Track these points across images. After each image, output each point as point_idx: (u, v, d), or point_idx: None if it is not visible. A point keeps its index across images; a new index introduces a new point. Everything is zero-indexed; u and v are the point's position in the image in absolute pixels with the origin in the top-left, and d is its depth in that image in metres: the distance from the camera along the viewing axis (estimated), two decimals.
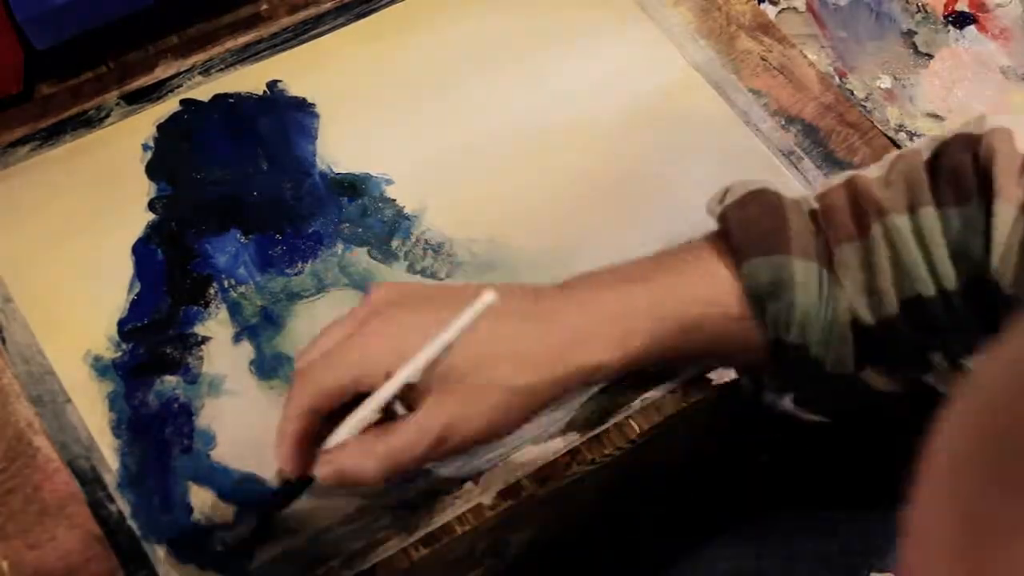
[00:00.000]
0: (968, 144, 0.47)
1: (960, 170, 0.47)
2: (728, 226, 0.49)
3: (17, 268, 0.58)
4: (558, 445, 0.55)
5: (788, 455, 0.83)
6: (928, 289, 0.46)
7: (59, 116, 0.63)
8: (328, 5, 0.68)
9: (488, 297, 0.46)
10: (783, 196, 0.50)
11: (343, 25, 0.68)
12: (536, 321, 0.47)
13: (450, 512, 0.53)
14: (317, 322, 0.57)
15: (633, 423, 0.57)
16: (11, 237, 0.59)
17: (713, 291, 0.48)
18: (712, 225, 0.51)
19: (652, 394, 0.57)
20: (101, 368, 0.55)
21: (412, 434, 0.45)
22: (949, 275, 0.46)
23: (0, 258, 0.58)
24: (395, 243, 0.60)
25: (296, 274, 0.59)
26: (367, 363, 0.46)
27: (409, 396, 0.46)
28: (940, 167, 0.47)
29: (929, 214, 0.47)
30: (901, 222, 0.47)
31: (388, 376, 0.45)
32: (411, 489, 0.53)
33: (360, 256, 0.60)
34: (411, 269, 0.59)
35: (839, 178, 0.51)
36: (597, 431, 0.56)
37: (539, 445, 0.55)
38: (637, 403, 0.56)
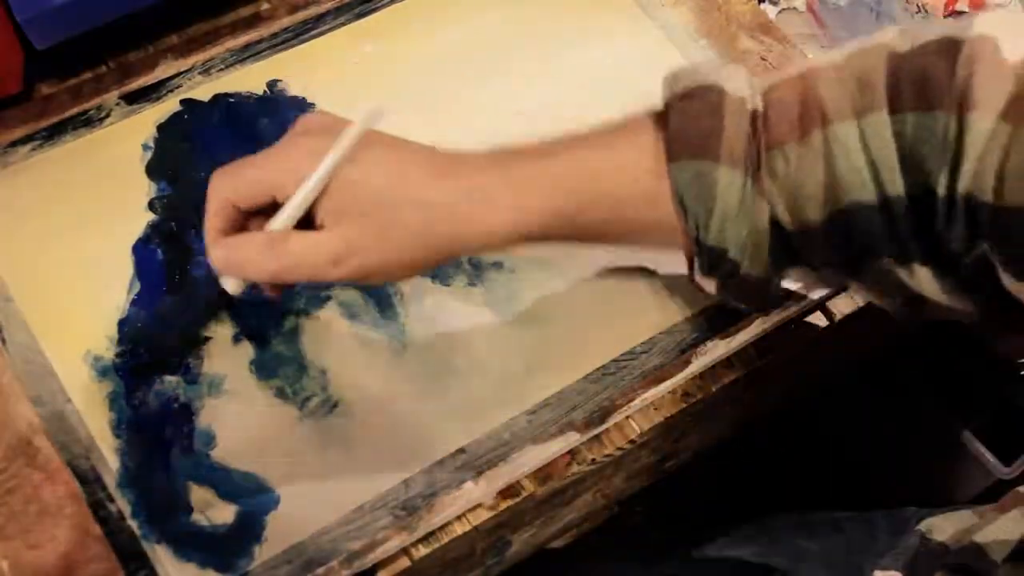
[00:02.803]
0: (948, 49, 0.45)
1: (930, 76, 0.45)
2: (668, 116, 0.50)
3: (17, 268, 0.58)
4: (558, 445, 0.55)
5: (791, 454, 0.83)
6: (869, 195, 0.46)
7: (59, 116, 0.63)
8: (328, 5, 0.68)
9: (374, 105, 0.49)
10: (727, 94, 0.49)
11: (343, 25, 0.68)
12: (445, 177, 0.49)
13: (450, 512, 0.53)
14: (317, 322, 0.57)
15: (633, 423, 0.57)
16: (11, 237, 0.59)
17: (634, 174, 0.49)
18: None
19: (652, 394, 0.57)
20: (101, 368, 0.55)
21: (312, 244, 0.47)
22: (895, 181, 0.46)
23: (0, 258, 0.58)
24: None
25: None
26: (279, 171, 0.48)
27: (319, 222, 0.48)
28: (907, 68, 0.46)
29: (880, 119, 0.46)
30: (845, 130, 0.46)
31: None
32: (411, 489, 0.53)
33: None
34: None
35: (796, 67, 0.50)
36: (597, 431, 0.56)
37: (539, 445, 0.55)
38: (637, 403, 0.56)
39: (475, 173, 0.49)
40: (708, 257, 0.50)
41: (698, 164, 0.48)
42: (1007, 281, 0.45)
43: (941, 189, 0.45)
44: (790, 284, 0.54)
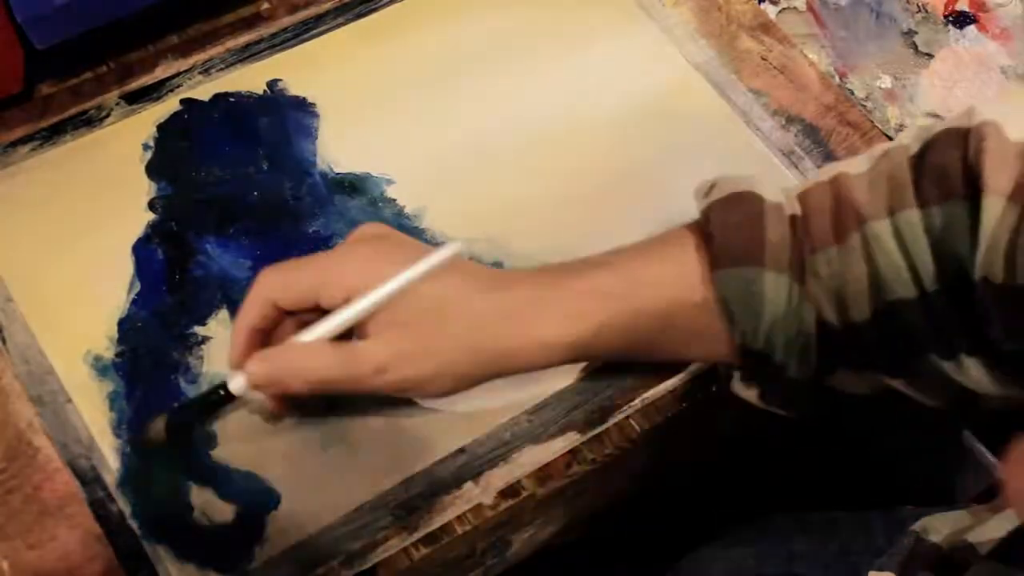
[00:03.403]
0: (957, 139, 0.47)
1: (946, 167, 0.46)
2: (708, 227, 0.50)
3: (17, 268, 0.58)
4: (558, 445, 0.55)
5: (788, 454, 0.83)
6: (909, 291, 0.46)
7: (59, 116, 0.63)
8: (328, 5, 0.68)
9: (455, 246, 0.48)
10: (766, 201, 0.50)
11: (343, 25, 0.68)
12: (495, 290, 0.48)
13: (450, 512, 0.53)
14: None
15: (633, 423, 0.57)
16: (11, 237, 0.59)
17: (682, 283, 0.49)
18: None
19: (652, 394, 0.57)
20: (101, 368, 0.55)
21: (356, 354, 0.47)
22: (931, 275, 0.46)
23: (0, 258, 0.58)
24: None
25: None
26: (331, 276, 0.47)
27: (363, 330, 0.48)
28: (926, 164, 0.47)
29: (911, 216, 0.46)
30: (881, 228, 0.47)
31: (347, 301, 0.47)
32: (411, 489, 0.53)
33: None
34: None
35: (825, 173, 0.51)
36: (597, 431, 0.56)
37: (539, 445, 0.55)
38: (637, 403, 0.56)
39: (526, 286, 0.49)
40: (755, 364, 0.50)
41: (744, 271, 0.48)
42: None
43: (975, 277, 0.45)
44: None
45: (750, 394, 0.52)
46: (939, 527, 0.56)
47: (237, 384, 0.49)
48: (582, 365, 0.57)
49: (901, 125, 0.68)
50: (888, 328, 0.47)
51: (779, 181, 0.64)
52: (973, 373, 0.47)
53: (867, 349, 0.48)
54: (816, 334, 0.49)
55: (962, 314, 0.46)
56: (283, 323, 0.50)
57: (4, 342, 0.56)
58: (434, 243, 0.60)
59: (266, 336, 0.50)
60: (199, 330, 0.57)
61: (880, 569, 0.55)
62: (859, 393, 0.51)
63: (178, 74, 0.65)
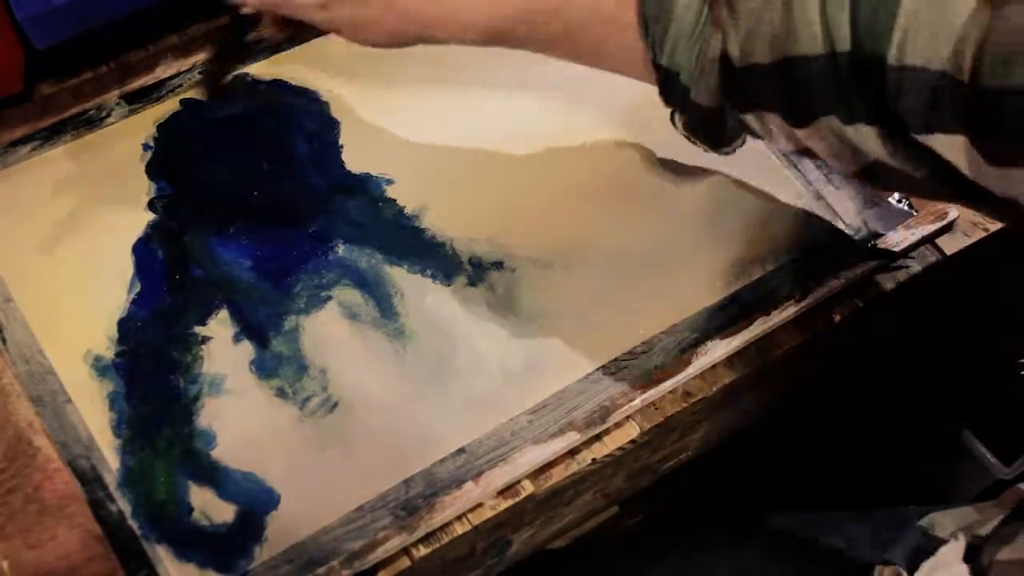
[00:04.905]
0: None
1: None
2: None
3: (17, 268, 0.58)
4: (558, 445, 0.55)
5: (790, 454, 0.83)
6: (816, 49, 0.45)
7: (59, 116, 0.63)
8: None
9: None
10: None
11: None
12: None
13: (450, 512, 0.53)
14: (317, 322, 0.57)
15: (633, 423, 0.57)
16: (11, 237, 0.59)
17: None
18: None
19: (652, 394, 0.57)
20: (101, 368, 0.55)
21: None
22: (844, 40, 0.45)
23: (0, 258, 0.58)
24: (395, 242, 0.60)
25: (296, 274, 0.59)
26: None
27: None
28: None
29: None
30: None
31: None
32: (411, 489, 0.53)
33: (360, 256, 0.60)
34: (411, 269, 0.59)
35: None
36: (597, 431, 0.56)
37: (539, 445, 0.55)
38: (637, 403, 0.56)
39: None
40: (663, 81, 0.51)
41: None
42: (970, 168, 0.43)
43: (892, 60, 0.43)
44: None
45: (679, 125, 0.53)
46: (945, 523, 0.56)
47: None
48: (583, 365, 0.57)
49: None
50: (788, 78, 0.47)
51: (779, 181, 0.64)
52: (871, 143, 0.46)
53: (764, 92, 0.48)
54: (719, 63, 0.49)
55: (866, 87, 0.45)
56: None
57: (4, 342, 0.56)
58: (434, 243, 0.60)
59: None
60: (199, 330, 0.57)
61: (887, 563, 0.55)
62: (753, 131, 0.51)
63: (178, 74, 0.65)
